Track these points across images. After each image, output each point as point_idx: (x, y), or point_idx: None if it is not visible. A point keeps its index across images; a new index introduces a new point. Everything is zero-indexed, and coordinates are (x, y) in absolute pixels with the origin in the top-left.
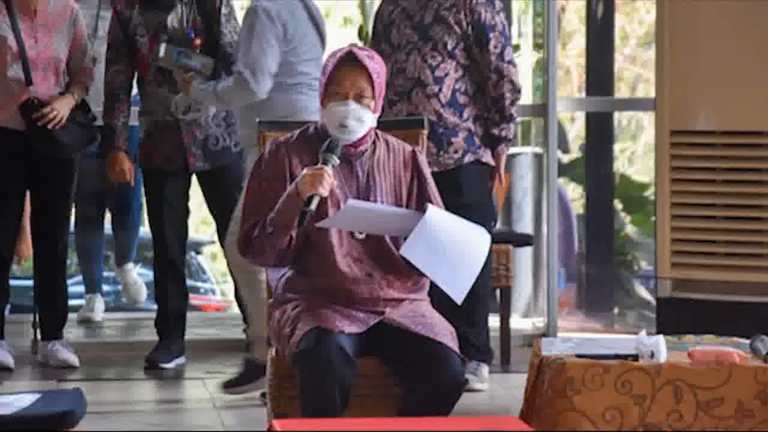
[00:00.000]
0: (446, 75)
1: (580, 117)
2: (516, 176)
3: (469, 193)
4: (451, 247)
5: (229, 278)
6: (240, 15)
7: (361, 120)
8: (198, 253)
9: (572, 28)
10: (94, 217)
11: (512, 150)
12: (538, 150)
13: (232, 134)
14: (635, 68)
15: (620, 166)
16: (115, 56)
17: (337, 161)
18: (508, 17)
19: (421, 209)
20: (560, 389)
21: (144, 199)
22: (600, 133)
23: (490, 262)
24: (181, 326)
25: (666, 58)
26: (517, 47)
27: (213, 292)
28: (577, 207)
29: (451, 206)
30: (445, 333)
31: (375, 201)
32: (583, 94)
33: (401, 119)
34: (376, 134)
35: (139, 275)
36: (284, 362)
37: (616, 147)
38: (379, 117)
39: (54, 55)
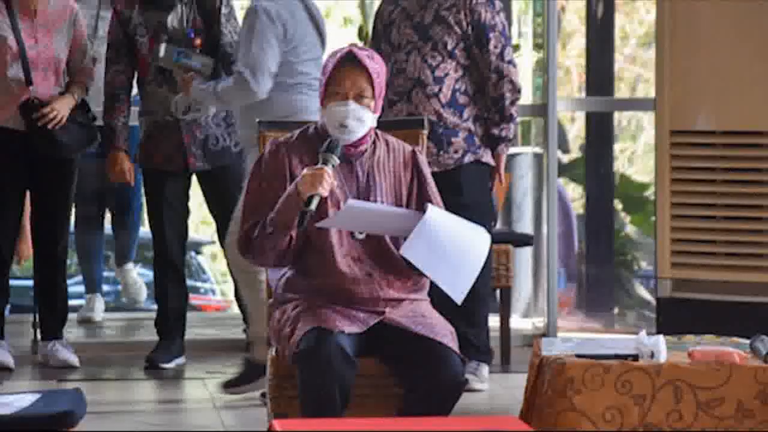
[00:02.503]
0: (446, 75)
1: (580, 117)
2: (516, 176)
3: (469, 193)
4: (451, 247)
5: (229, 278)
6: (240, 15)
7: (361, 120)
8: (198, 253)
9: (572, 28)
10: (94, 217)
11: (512, 150)
12: (538, 150)
13: (232, 134)
14: (635, 68)
15: (620, 166)
16: (115, 56)
17: (337, 161)
18: (508, 17)
19: (421, 209)
20: (560, 389)
21: (144, 199)
22: (600, 133)
23: (490, 262)
24: (181, 326)
25: (666, 58)
26: (517, 47)
27: (213, 292)
28: (577, 207)
29: (451, 206)
30: (445, 333)
31: (375, 201)
32: (583, 94)
33: (401, 119)
34: (376, 134)
35: (139, 275)
36: (284, 362)
37: (616, 147)
38: (379, 117)
39: (54, 55)
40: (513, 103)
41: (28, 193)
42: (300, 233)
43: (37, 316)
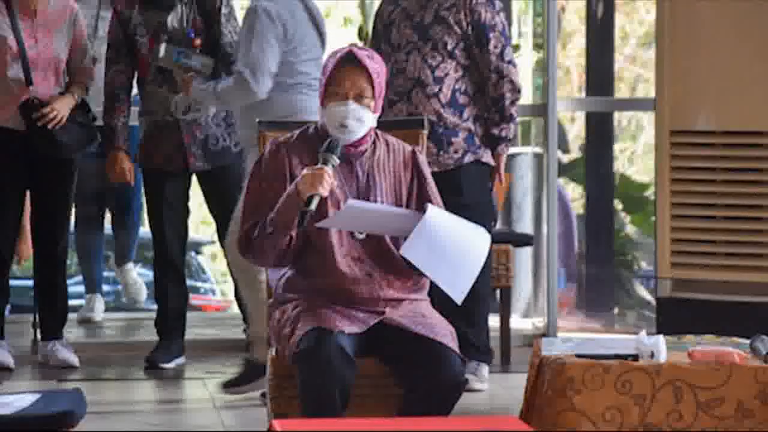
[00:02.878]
0: (446, 75)
1: (580, 117)
2: (516, 176)
3: (469, 193)
4: (451, 247)
5: (229, 278)
6: (240, 15)
7: (361, 120)
8: (198, 253)
9: (572, 28)
10: (94, 217)
11: (512, 150)
12: (538, 150)
13: (232, 134)
14: (635, 68)
15: (620, 166)
16: (115, 56)
17: (337, 161)
18: (508, 17)
19: (421, 209)
20: (560, 389)
21: (144, 199)
22: (600, 133)
23: (490, 262)
24: (181, 326)
25: (666, 58)
26: (517, 47)
27: (213, 292)
28: (577, 207)
29: (451, 206)
30: (445, 333)
31: (375, 201)
32: (583, 94)
33: (401, 119)
34: (376, 134)
35: (139, 275)
36: (284, 362)
37: (616, 147)
38: (379, 117)
39: (54, 55)
40: (513, 103)
41: (28, 193)
42: (300, 233)
43: (37, 316)
